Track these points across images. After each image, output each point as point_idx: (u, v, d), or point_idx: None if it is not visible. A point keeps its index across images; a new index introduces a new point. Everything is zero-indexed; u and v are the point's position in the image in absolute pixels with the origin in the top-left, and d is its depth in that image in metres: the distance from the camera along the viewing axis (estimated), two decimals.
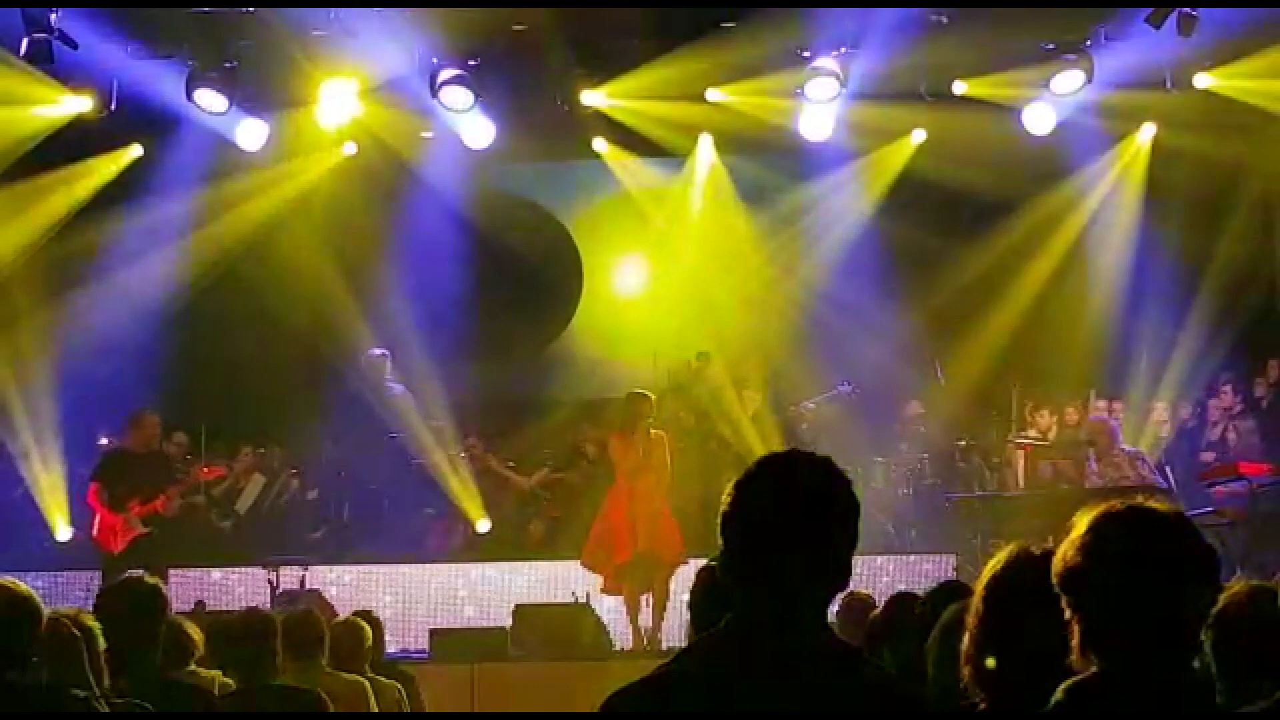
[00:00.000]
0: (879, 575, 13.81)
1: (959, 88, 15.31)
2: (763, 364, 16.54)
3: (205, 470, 15.26)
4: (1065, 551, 3.03)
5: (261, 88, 15.18)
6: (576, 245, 18.31)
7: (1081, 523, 3.02)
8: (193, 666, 7.27)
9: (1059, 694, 2.99)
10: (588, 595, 13.63)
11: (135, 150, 16.07)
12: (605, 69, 15.18)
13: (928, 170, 16.37)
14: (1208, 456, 15.41)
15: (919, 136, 16.45)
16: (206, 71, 14.68)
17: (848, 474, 3.13)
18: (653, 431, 13.72)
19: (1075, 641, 3.01)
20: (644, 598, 13.54)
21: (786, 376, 16.56)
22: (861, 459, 15.52)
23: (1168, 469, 14.99)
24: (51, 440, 15.28)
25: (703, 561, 4.93)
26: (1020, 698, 3.19)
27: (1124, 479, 13.72)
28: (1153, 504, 3.02)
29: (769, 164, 17.06)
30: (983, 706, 3.63)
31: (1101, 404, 15.90)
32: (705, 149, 16.98)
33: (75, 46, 13.80)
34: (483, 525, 15.72)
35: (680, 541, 13.37)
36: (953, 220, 16.68)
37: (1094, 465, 14.36)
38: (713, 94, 15.44)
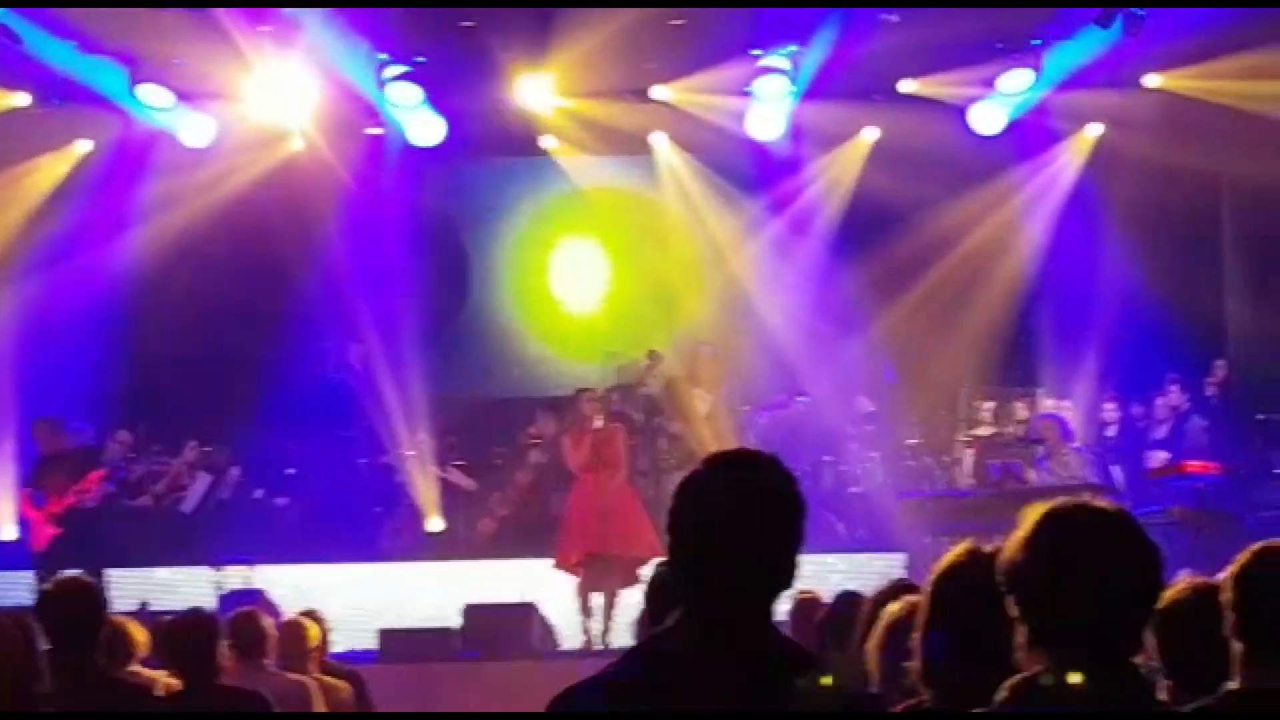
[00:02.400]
0: (829, 574, 13.78)
1: (908, 86, 15.35)
2: (715, 364, 16.50)
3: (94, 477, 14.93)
4: (1009, 550, 3.02)
5: (207, 84, 15.08)
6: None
7: (1026, 522, 3.02)
8: (135, 667, 7.20)
9: (1003, 691, 2.98)
10: (537, 595, 13.59)
11: (84, 146, 15.94)
12: (554, 65, 15.13)
13: (879, 169, 16.41)
14: (1155, 455, 15.48)
15: (871, 135, 16.47)
16: (151, 67, 14.58)
17: (795, 473, 3.12)
18: (604, 426, 13.70)
19: (1020, 639, 3.00)
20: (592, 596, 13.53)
21: (740, 377, 16.54)
22: (811, 458, 15.54)
23: (1115, 467, 15.06)
24: None
25: (658, 561, 4.90)
26: (966, 695, 3.18)
27: (1072, 478, 13.77)
28: (1097, 502, 3.02)
29: (718, 163, 17.01)
30: (927, 704, 3.62)
31: (1050, 402, 15.97)
32: (659, 147, 16.93)
33: (19, 42, 13.69)
34: (435, 524, 15.67)
35: (653, 534, 13.23)
36: (904, 219, 16.69)
37: (1045, 463, 14.40)
38: (659, 91, 15.43)
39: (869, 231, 16.60)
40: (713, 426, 15.45)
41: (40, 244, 15.94)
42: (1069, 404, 15.92)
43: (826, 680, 2.99)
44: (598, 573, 13.46)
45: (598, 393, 14.00)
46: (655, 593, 4.48)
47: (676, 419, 15.86)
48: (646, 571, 12.83)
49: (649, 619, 4.54)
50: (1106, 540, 2.96)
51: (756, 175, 16.86)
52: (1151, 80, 15.11)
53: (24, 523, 14.40)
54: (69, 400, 14.98)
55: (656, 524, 13.14)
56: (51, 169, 15.99)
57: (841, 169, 16.77)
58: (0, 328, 15.67)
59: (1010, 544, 3.02)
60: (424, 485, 15.89)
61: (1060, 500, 3.02)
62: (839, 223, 16.84)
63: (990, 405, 15.95)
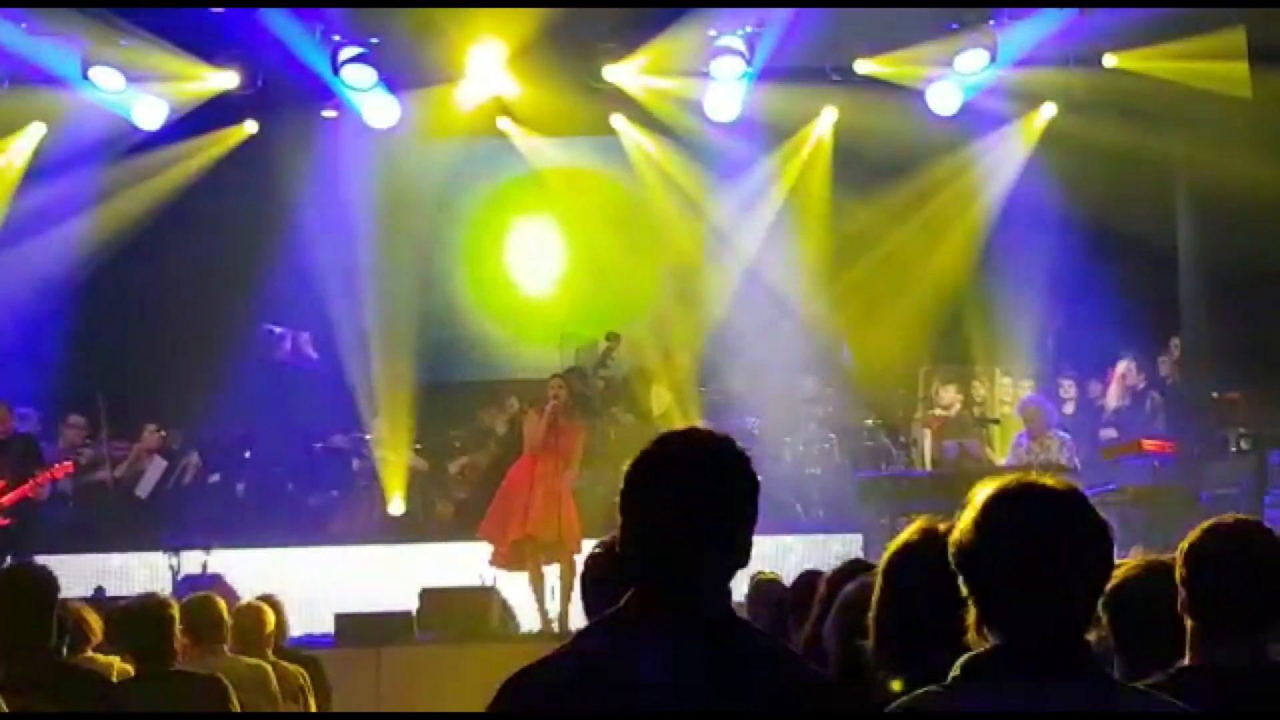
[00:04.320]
0: (787, 555, 13.83)
1: (864, 67, 15.38)
2: (680, 365, 16.48)
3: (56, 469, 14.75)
4: (958, 530, 3.02)
5: (158, 65, 14.99)
6: None
7: (974, 500, 3.02)
8: (90, 653, 7.17)
9: (955, 669, 2.98)
10: (495, 578, 13.58)
11: (37, 129, 15.84)
12: (509, 45, 15.10)
13: (836, 149, 16.46)
14: (1109, 433, 15.57)
15: (829, 117, 16.49)
16: (103, 49, 14.49)
17: (750, 452, 3.12)
18: (569, 420, 13.73)
19: (970, 619, 3.00)
20: (549, 576, 13.53)
21: (695, 366, 16.57)
22: (769, 438, 15.57)
23: (1070, 446, 15.14)
24: None
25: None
26: (919, 673, 3.18)
27: (1049, 462, 13.80)
28: (1045, 480, 3.01)
29: (674, 145, 16.98)
30: (881, 681, 3.62)
31: (1007, 380, 16.03)
32: (617, 128, 16.87)
33: None
34: (393, 507, 15.66)
35: (579, 528, 13.32)
36: (860, 199, 16.73)
37: (1025, 443, 14.41)
38: (612, 71, 15.42)
39: (823, 208, 16.64)
40: (667, 425, 15.45)
41: None
42: (1028, 384, 15.99)
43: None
44: (542, 554, 13.47)
45: (563, 380, 14.04)
46: (590, 582, 4.47)
47: (631, 412, 15.89)
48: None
49: (585, 607, 4.54)
50: (1054, 518, 2.96)
51: (714, 155, 16.84)
52: (1108, 60, 15.16)
53: None
54: (20, 385, 14.84)
55: (585, 515, 13.22)
56: (9, 151, 15.88)
57: (800, 150, 16.79)
58: None
59: (959, 523, 3.02)
60: (381, 469, 15.86)
61: (1008, 479, 3.02)
62: (793, 200, 16.86)
63: (949, 386, 15.99)
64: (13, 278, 15.68)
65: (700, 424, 15.75)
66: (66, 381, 15.67)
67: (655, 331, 16.84)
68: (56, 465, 14.22)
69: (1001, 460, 14.55)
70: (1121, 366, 15.84)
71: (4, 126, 15.79)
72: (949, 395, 15.90)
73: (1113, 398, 15.91)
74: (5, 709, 5.01)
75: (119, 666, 6.96)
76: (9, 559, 12.17)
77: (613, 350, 15.99)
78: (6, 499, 13.70)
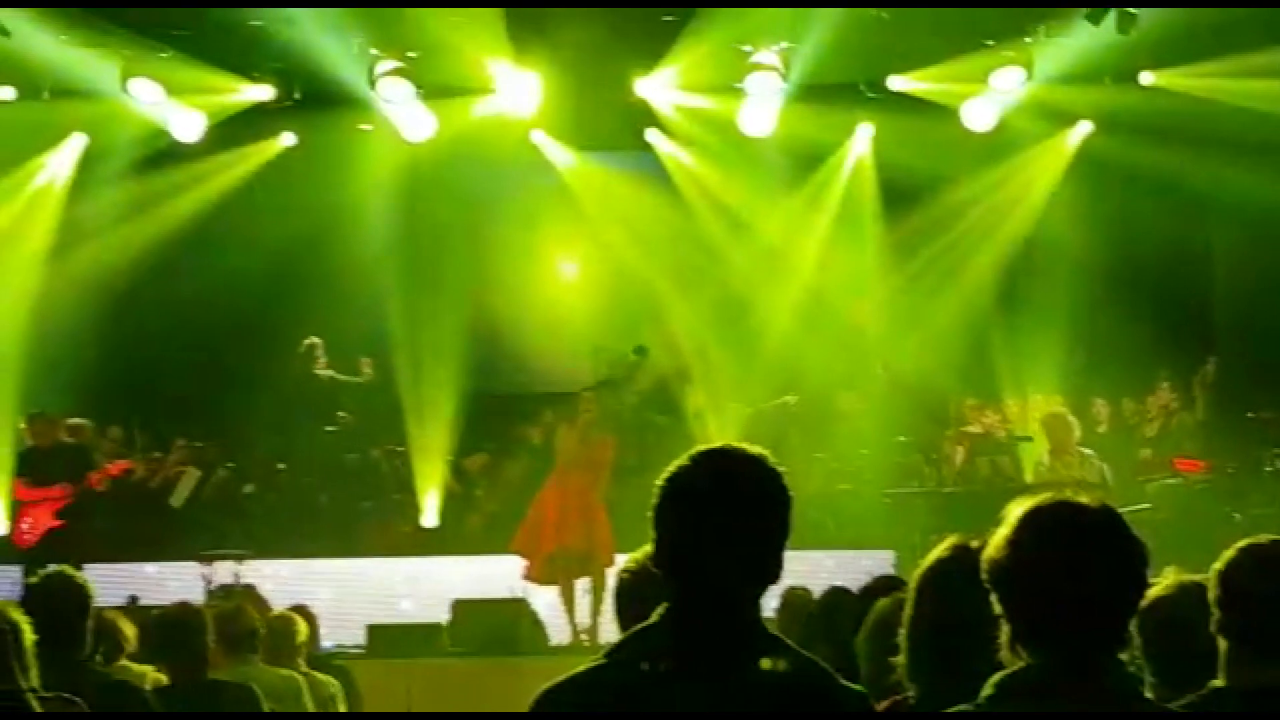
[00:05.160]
0: (818, 570, 13.76)
1: (899, 84, 15.37)
2: (703, 362, 16.50)
3: (113, 467, 14.93)
4: (992, 547, 3.01)
5: (197, 78, 15.07)
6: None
7: (1009, 517, 3.01)
8: (124, 661, 7.20)
9: (988, 688, 2.97)
10: (525, 591, 13.59)
11: (79, 139, 15.93)
12: (543, 61, 15.14)
13: (870, 165, 16.47)
14: (1144, 453, 15.50)
15: (866, 133, 16.49)
16: (142, 61, 14.59)
17: (783, 469, 3.11)
18: (600, 434, 13.75)
19: (1004, 636, 3.00)
20: (579, 590, 13.53)
21: (727, 374, 16.54)
22: (801, 454, 15.54)
23: (1105, 465, 15.06)
24: None
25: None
26: (952, 691, 3.17)
27: (1071, 477, 13.72)
28: (1080, 498, 3.00)
29: (710, 159, 16.97)
30: (912, 700, 3.62)
31: (1040, 399, 15.97)
32: (651, 142, 16.89)
33: (7, 34, 13.69)
34: (428, 519, 15.70)
35: (611, 541, 13.32)
36: (895, 215, 16.73)
37: (1046, 460, 14.34)
38: (645, 86, 15.45)
39: (860, 226, 16.64)
40: (702, 424, 15.46)
41: (38, 239, 15.94)
42: (1058, 402, 15.92)
43: (767, 664, 2.98)
44: (575, 567, 13.48)
45: (596, 393, 14.08)
46: (622, 597, 4.47)
47: (666, 415, 15.88)
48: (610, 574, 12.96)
49: (618, 622, 4.53)
50: (1088, 536, 2.95)
51: (750, 170, 16.83)
52: (1144, 78, 15.12)
53: (14, 515, 14.34)
54: (61, 396, 14.93)
55: (629, 525, 13.20)
56: (52, 167, 16.01)
57: (838, 166, 16.79)
58: None
59: (993, 540, 3.02)
60: (415, 481, 15.88)
61: (1043, 496, 3.01)
62: (831, 219, 16.85)
63: (980, 403, 15.95)
64: (55, 288, 15.79)
65: (736, 422, 15.83)
66: (105, 392, 15.73)
67: (691, 330, 16.84)
68: (113, 463, 14.40)
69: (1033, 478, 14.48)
70: (1164, 396, 15.72)
71: (45, 136, 15.86)
72: (990, 415, 15.84)
73: (1153, 426, 15.78)
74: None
75: (152, 676, 6.98)
76: (45, 568, 12.20)
77: (641, 363, 16.00)
78: (53, 503, 13.83)
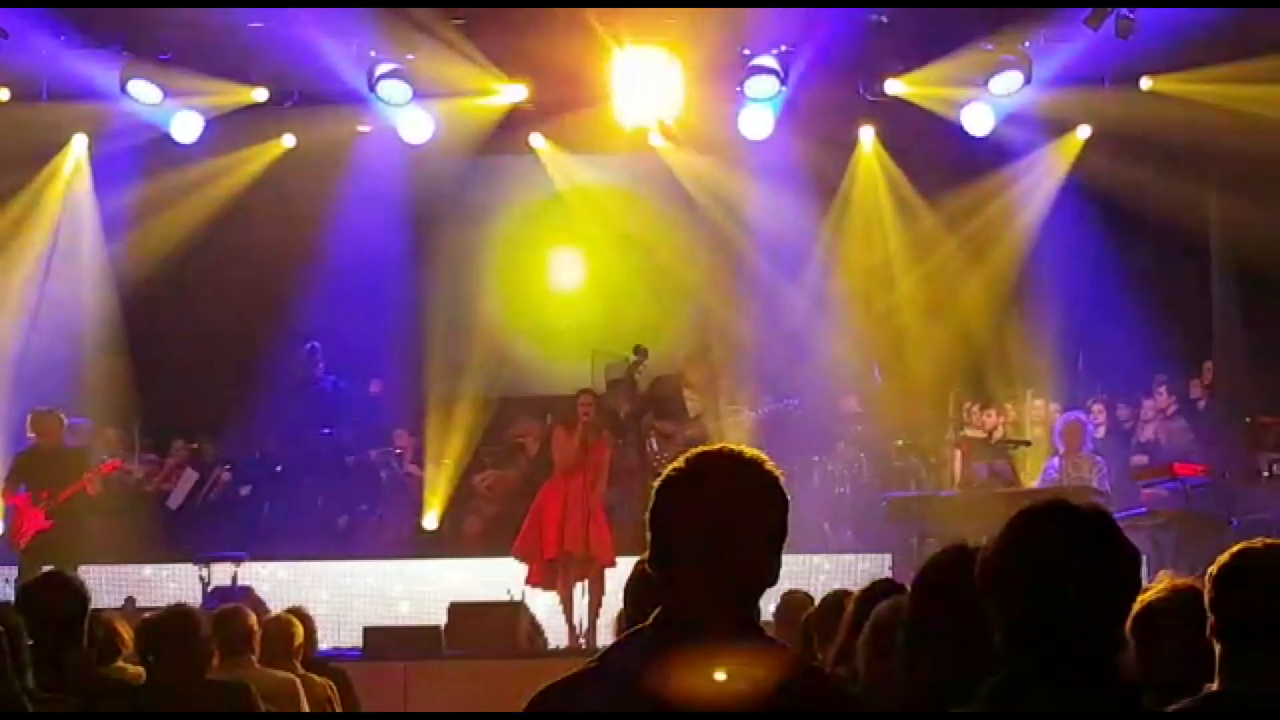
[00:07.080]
0: (815, 574, 13.82)
1: (897, 88, 15.38)
2: (708, 365, 16.50)
3: (105, 465, 14.90)
4: (986, 551, 3.02)
5: (197, 80, 15.08)
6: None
7: (1004, 522, 3.02)
8: (121, 663, 7.20)
9: (983, 692, 2.98)
10: (523, 593, 13.59)
11: (80, 141, 15.95)
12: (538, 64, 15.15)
13: (871, 169, 16.48)
14: (1140, 457, 15.49)
15: (868, 135, 16.50)
16: (141, 63, 14.60)
17: (780, 471, 3.11)
18: (598, 436, 13.74)
19: (999, 640, 3.00)
20: (577, 592, 13.53)
21: (730, 377, 16.53)
22: (799, 458, 15.53)
23: (1103, 469, 15.08)
24: None
25: (636, 559, 4.90)
26: (949, 695, 3.18)
27: (1078, 481, 13.74)
28: (1073, 503, 3.01)
29: (708, 162, 16.97)
30: (910, 704, 3.62)
31: (1039, 403, 15.97)
32: (648, 145, 16.88)
33: (5, 36, 13.71)
34: (429, 522, 15.71)
35: (611, 543, 13.34)
36: (890, 219, 16.73)
37: (1056, 468, 14.34)
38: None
39: (856, 231, 16.64)
40: (702, 427, 15.46)
41: (38, 242, 15.96)
42: (1056, 407, 15.93)
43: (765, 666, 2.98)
44: (576, 570, 13.48)
45: (592, 392, 14.07)
46: (633, 590, 4.47)
47: (667, 418, 15.87)
48: (614, 573, 12.96)
49: (628, 618, 4.53)
50: (1082, 541, 2.96)
51: (748, 172, 16.82)
52: (1143, 83, 15.14)
53: (9, 516, 14.33)
54: (59, 397, 14.91)
55: (632, 528, 13.20)
56: (57, 170, 16.03)
57: (832, 170, 16.79)
58: None
59: (987, 545, 3.02)
60: (412, 484, 15.88)
61: (1036, 501, 3.02)
62: (825, 223, 16.86)
63: (989, 409, 15.95)
64: (57, 293, 15.81)
65: (735, 423, 15.82)
66: (104, 395, 15.72)
67: (691, 333, 16.83)
68: (103, 463, 14.39)
69: (1032, 483, 14.49)
70: (1162, 400, 15.73)
71: (45, 138, 15.87)
72: (990, 419, 15.85)
73: (1149, 430, 15.78)
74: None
75: (149, 678, 6.97)
76: (42, 569, 12.20)
77: (640, 365, 15.98)
78: (62, 494, 13.82)
